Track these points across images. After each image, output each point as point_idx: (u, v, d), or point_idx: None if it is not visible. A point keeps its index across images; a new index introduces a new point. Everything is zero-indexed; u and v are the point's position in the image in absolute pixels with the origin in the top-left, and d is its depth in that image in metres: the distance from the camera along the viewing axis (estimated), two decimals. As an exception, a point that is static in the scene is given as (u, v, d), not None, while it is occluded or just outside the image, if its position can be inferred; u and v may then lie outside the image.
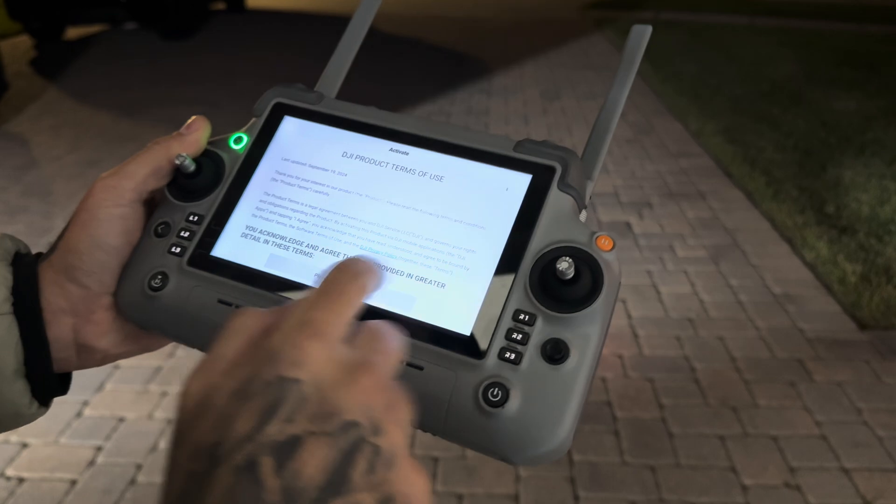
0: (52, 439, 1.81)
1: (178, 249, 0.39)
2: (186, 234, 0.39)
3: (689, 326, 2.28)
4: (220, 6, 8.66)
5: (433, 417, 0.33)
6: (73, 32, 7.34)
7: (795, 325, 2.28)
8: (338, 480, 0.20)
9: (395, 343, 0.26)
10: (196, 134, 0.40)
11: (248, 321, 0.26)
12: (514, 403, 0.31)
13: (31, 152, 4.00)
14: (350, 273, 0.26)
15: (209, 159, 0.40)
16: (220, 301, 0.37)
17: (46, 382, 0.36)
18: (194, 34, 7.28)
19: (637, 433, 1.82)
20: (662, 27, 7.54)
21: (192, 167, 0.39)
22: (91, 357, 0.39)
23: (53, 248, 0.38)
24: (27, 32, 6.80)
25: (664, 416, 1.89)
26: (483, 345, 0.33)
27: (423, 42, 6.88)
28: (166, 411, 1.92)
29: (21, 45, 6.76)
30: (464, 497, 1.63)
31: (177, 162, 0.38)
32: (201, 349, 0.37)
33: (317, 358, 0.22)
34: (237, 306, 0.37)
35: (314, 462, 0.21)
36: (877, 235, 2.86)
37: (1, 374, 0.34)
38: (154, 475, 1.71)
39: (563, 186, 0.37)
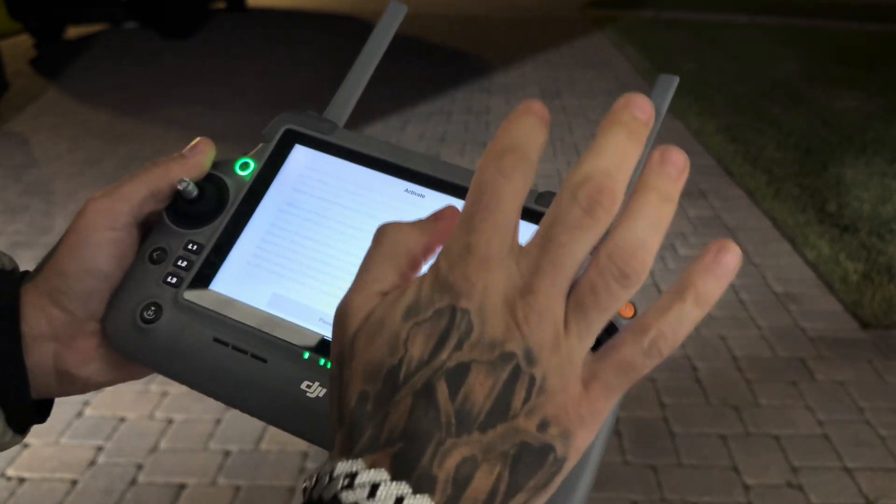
0: (52, 439, 1.81)
1: (175, 280, 0.36)
2: (184, 263, 0.37)
3: (691, 325, 2.28)
4: (221, 5, 8.66)
5: None
6: (73, 32, 7.34)
7: (797, 325, 2.28)
8: (501, 407, 0.22)
9: (560, 250, 0.23)
10: (199, 157, 0.38)
11: (403, 239, 0.25)
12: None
13: (32, 151, 4.00)
14: (500, 170, 0.23)
15: (212, 184, 0.38)
16: (216, 340, 0.35)
17: (23, 410, 0.35)
18: (194, 33, 7.27)
19: (639, 433, 1.82)
20: (663, 26, 7.53)
21: (194, 192, 0.37)
22: (72, 385, 0.37)
23: (40, 268, 0.36)
24: (27, 32, 6.80)
25: (666, 415, 1.88)
26: None
27: (423, 40, 6.87)
28: (167, 411, 1.92)
29: (21, 45, 6.76)
30: (465, 497, 1.63)
31: (179, 187, 0.36)
32: (192, 388, 0.36)
33: (483, 287, 0.22)
34: (233, 347, 0.35)
35: (481, 389, 0.22)
36: (878, 234, 2.86)
37: None
38: (155, 475, 1.70)
39: None
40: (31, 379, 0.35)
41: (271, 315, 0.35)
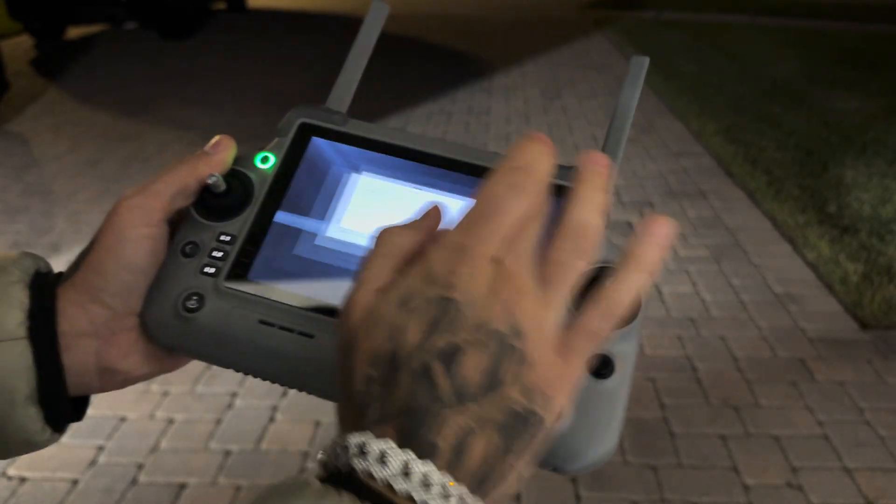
0: (53, 439, 1.81)
1: (213, 270, 0.38)
2: (219, 254, 0.38)
3: (691, 326, 2.28)
4: (221, 6, 8.66)
5: None
6: (73, 32, 7.34)
7: (797, 325, 2.28)
8: (491, 380, 0.24)
9: (527, 242, 0.27)
10: (223, 153, 0.40)
11: (398, 240, 0.28)
12: (568, 417, 0.33)
13: (32, 152, 4.00)
14: (510, 185, 0.27)
15: (236, 179, 0.40)
16: (262, 322, 0.37)
17: (60, 408, 0.36)
18: (195, 34, 7.28)
19: (639, 433, 1.82)
20: (663, 27, 7.54)
21: (223, 186, 0.38)
22: (112, 379, 0.38)
23: (76, 267, 0.37)
24: (28, 32, 6.80)
25: (666, 415, 1.88)
26: None
27: (423, 41, 6.87)
28: (168, 411, 1.92)
29: (22, 45, 6.76)
30: (465, 497, 1.63)
31: (209, 182, 0.38)
32: (239, 370, 0.37)
33: (470, 280, 0.25)
34: (280, 327, 0.37)
35: (473, 365, 0.24)
36: (878, 235, 2.86)
37: (12, 401, 0.34)
38: (155, 474, 1.70)
39: None
40: (72, 377, 0.36)
41: (311, 295, 0.37)
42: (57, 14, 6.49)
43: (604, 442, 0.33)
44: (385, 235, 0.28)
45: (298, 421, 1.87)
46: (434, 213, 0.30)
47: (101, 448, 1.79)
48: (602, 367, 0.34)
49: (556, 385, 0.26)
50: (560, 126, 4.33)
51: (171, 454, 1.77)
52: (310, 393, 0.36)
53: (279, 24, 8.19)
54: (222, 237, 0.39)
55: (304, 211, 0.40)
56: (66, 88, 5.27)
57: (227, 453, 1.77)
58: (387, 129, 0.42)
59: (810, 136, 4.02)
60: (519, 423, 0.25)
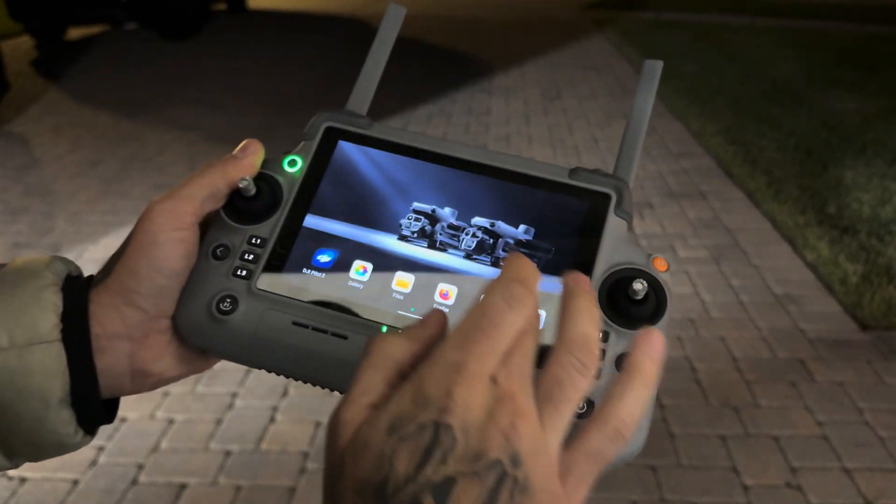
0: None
1: (244, 272, 0.38)
2: (251, 256, 0.39)
3: (691, 327, 2.28)
4: (221, 7, 8.66)
5: None
6: (74, 33, 7.34)
7: (797, 326, 2.28)
8: None
9: (525, 359, 0.26)
10: (252, 157, 0.40)
11: (391, 350, 0.27)
12: None
13: (33, 152, 4.01)
14: (507, 298, 0.26)
15: (265, 182, 0.40)
16: (295, 323, 0.37)
17: (93, 411, 0.36)
18: (195, 34, 7.28)
19: (638, 433, 1.82)
20: (663, 27, 7.54)
21: (253, 190, 0.39)
22: (145, 381, 0.38)
23: (107, 271, 0.37)
24: (28, 33, 6.81)
25: (665, 416, 1.89)
26: None
27: (424, 42, 6.88)
28: (168, 412, 1.92)
29: (22, 46, 6.77)
30: (465, 497, 1.63)
31: (240, 185, 0.38)
32: (271, 371, 0.38)
33: (466, 404, 0.24)
34: (313, 328, 0.37)
35: (467, 500, 0.23)
36: (878, 236, 2.86)
37: (46, 403, 0.34)
38: (155, 475, 1.71)
39: (619, 212, 0.39)
40: (104, 379, 0.36)
41: (343, 296, 0.38)
42: (57, 15, 6.50)
43: (635, 438, 0.35)
44: (378, 344, 0.27)
45: (298, 421, 1.87)
46: (435, 322, 0.28)
47: (101, 448, 1.79)
48: None
49: None
50: (560, 127, 4.33)
51: (172, 454, 1.77)
52: (343, 394, 0.37)
53: (279, 24, 8.19)
54: (253, 240, 0.39)
55: (332, 214, 0.40)
56: (67, 89, 5.27)
57: (228, 453, 1.77)
58: (411, 133, 0.42)
59: (810, 137, 4.02)
60: None
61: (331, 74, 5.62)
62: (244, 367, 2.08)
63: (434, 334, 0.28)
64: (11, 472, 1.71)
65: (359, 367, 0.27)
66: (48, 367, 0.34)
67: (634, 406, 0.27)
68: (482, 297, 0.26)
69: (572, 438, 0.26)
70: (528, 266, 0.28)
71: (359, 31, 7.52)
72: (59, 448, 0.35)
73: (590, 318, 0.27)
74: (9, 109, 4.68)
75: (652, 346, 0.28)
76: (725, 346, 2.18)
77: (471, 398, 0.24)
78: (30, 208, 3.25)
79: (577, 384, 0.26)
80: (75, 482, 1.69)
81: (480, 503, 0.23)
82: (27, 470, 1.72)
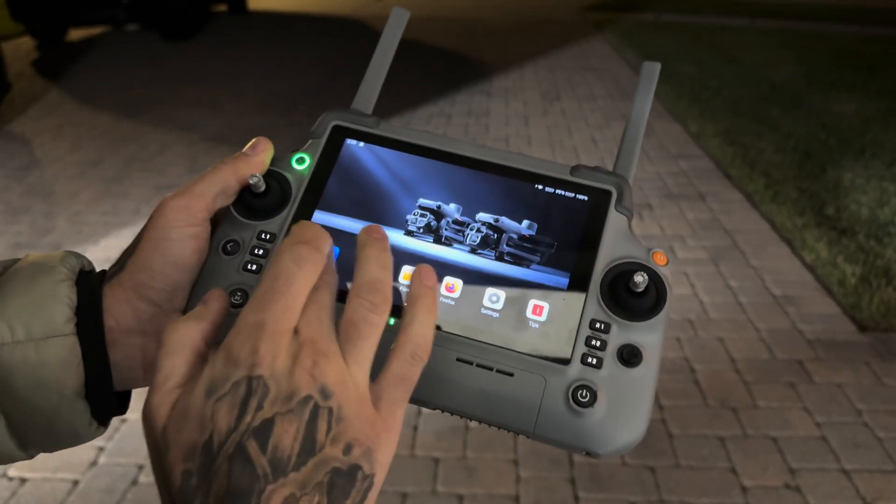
0: (54, 439, 1.82)
1: (254, 267, 0.39)
2: (260, 251, 0.40)
3: (689, 327, 2.29)
4: (222, 8, 8.67)
5: (525, 420, 0.36)
6: (75, 34, 7.35)
7: (795, 327, 2.29)
8: (309, 444, 0.25)
9: (321, 308, 0.29)
10: (262, 155, 0.41)
11: (182, 335, 0.29)
12: (601, 403, 0.36)
13: (33, 153, 4.01)
14: (295, 259, 0.29)
15: (274, 179, 0.41)
16: None
17: (106, 403, 0.37)
18: (196, 35, 7.29)
19: (637, 434, 1.82)
20: (663, 29, 7.55)
21: (262, 186, 0.40)
22: None
23: (120, 266, 0.38)
24: (29, 33, 6.81)
25: (664, 416, 1.89)
26: (567, 351, 0.36)
27: (423, 43, 6.88)
28: (168, 411, 1.92)
29: (23, 46, 6.77)
30: (464, 497, 1.64)
31: (251, 182, 0.39)
32: None
33: (273, 355, 0.26)
34: None
35: (288, 435, 0.25)
36: (876, 237, 2.87)
37: (61, 395, 0.35)
38: (156, 475, 1.71)
39: (620, 208, 0.41)
40: (118, 372, 0.37)
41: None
42: (58, 15, 6.50)
43: (633, 427, 0.35)
44: (170, 333, 0.29)
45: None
46: (215, 298, 0.31)
47: (101, 449, 1.79)
48: (631, 357, 0.36)
49: (375, 437, 0.26)
50: (559, 128, 4.34)
51: (172, 454, 1.78)
52: None
53: (280, 26, 8.20)
54: (263, 235, 0.40)
55: (340, 210, 0.41)
56: (68, 89, 5.28)
57: (228, 454, 1.77)
58: (417, 131, 0.43)
59: (808, 139, 4.03)
60: (344, 480, 0.25)
61: (331, 75, 5.62)
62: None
63: (218, 310, 0.30)
64: (12, 472, 1.72)
65: (157, 356, 0.28)
66: (63, 359, 0.35)
67: (423, 328, 0.30)
68: (272, 260, 0.29)
69: (381, 369, 0.29)
70: (312, 228, 0.30)
71: (359, 33, 7.53)
72: (74, 439, 0.36)
73: (377, 264, 0.30)
74: (10, 110, 4.68)
75: (424, 275, 0.32)
76: (724, 347, 2.19)
77: (276, 350, 0.26)
78: (30, 208, 3.26)
79: (371, 321, 0.29)
80: (75, 482, 1.69)
81: (301, 436, 0.25)
82: (27, 470, 1.73)
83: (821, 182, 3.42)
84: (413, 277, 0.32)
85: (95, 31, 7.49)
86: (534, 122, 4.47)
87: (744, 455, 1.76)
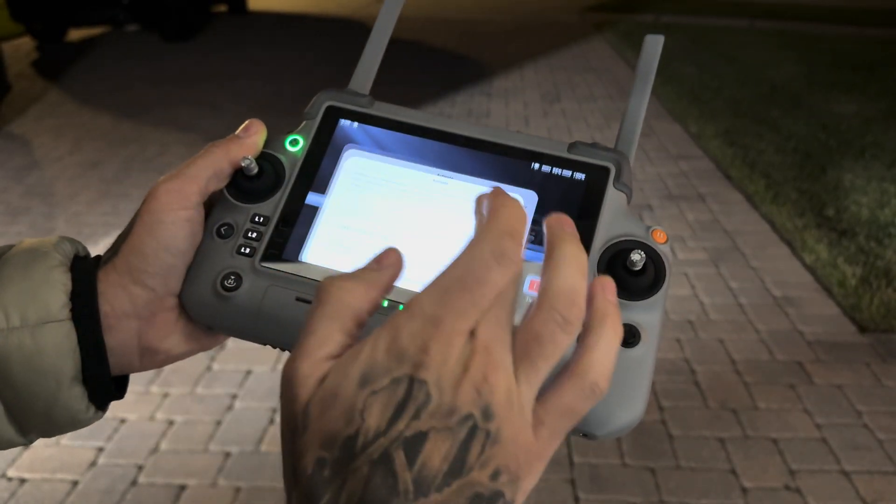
0: (53, 440, 1.82)
1: (248, 250, 0.39)
2: (254, 234, 0.39)
3: (689, 328, 2.29)
4: (222, 8, 8.68)
5: None
6: (75, 34, 7.35)
7: (795, 328, 2.29)
8: (458, 466, 0.22)
9: (505, 311, 0.25)
10: (254, 137, 0.41)
11: (347, 300, 0.25)
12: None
13: (33, 153, 4.01)
14: (496, 253, 0.24)
15: (268, 161, 0.41)
16: (299, 299, 0.38)
17: (104, 387, 0.37)
18: (196, 36, 7.29)
19: (637, 435, 1.82)
20: (663, 30, 7.54)
21: (255, 169, 0.40)
22: (153, 359, 0.39)
23: (115, 251, 0.38)
24: (29, 34, 6.82)
25: (664, 418, 1.89)
26: None
27: (423, 44, 6.89)
28: (167, 413, 1.92)
29: (23, 47, 6.78)
30: (464, 498, 1.63)
31: (242, 164, 0.39)
32: (276, 346, 0.39)
33: (442, 359, 0.23)
34: None
35: (438, 454, 0.22)
36: (876, 238, 2.87)
37: (59, 381, 0.35)
38: (155, 476, 1.71)
39: (618, 185, 0.40)
40: (114, 357, 0.37)
41: (344, 272, 0.39)
42: (58, 16, 6.51)
43: (631, 408, 0.35)
44: (331, 291, 0.25)
45: (298, 422, 1.87)
46: (390, 262, 0.27)
47: (100, 449, 1.79)
48: (629, 337, 0.36)
49: (526, 465, 0.24)
50: (559, 129, 4.34)
51: (171, 455, 1.77)
52: None
53: (280, 26, 8.20)
54: (256, 218, 0.40)
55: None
56: (68, 90, 5.28)
57: (227, 455, 1.77)
58: (412, 111, 0.43)
59: (809, 140, 4.03)
60: None
61: (331, 75, 5.62)
62: (244, 369, 2.08)
63: (391, 277, 0.27)
64: (11, 473, 1.72)
65: (312, 315, 0.25)
66: (60, 345, 0.35)
67: (607, 357, 0.25)
68: (468, 247, 0.24)
69: (546, 391, 0.25)
70: (519, 214, 0.25)
71: (359, 33, 7.53)
72: (72, 424, 0.36)
73: (577, 268, 0.25)
74: (9, 110, 4.68)
75: (608, 288, 0.27)
76: (724, 348, 2.19)
77: (447, 353, 0.23)
78: (30, 209, 3.26)
79: (558, 341, 0.24)
80: (75, 483, 1.69)
81: (451, 456, 0.22)
82: (27, 470, 1.72)
83: (821, 183, 3.42)
84: (595, 290, 0.26)
85: (95, 31, 7.49)
86: (534, 122, 4.48)
87: (744, 456, 1.76)
